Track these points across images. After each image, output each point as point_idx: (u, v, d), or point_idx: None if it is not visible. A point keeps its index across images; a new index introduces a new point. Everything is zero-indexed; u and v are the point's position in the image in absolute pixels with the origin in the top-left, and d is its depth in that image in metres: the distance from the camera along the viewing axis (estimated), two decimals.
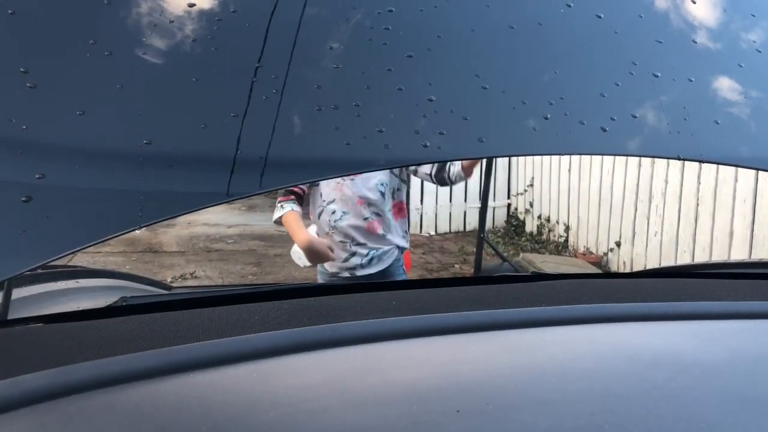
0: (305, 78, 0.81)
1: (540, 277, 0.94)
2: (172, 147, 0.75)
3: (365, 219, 2.29)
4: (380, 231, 2.32)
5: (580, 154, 0.85)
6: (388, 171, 2.31)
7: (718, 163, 0.94)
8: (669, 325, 0.69)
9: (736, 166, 0.95)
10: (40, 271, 1.00)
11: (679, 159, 0.88)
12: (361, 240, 2.30)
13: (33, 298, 0.91)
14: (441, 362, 0.59)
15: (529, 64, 0.90)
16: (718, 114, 0.93)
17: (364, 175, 2.28)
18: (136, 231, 0.69)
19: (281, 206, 2.26)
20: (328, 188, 2.30)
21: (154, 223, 0.70)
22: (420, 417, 0.48)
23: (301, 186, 2.28)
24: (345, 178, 2.28)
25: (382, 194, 2.30)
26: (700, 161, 0.87)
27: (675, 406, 0.52)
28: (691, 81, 0.96)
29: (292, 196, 2.29)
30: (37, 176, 0.69)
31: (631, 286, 0.82)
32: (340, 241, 2.31)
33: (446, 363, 0.59)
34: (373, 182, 2.29)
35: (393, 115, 0.81)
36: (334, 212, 2.28)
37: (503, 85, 0.87)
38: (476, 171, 2.41)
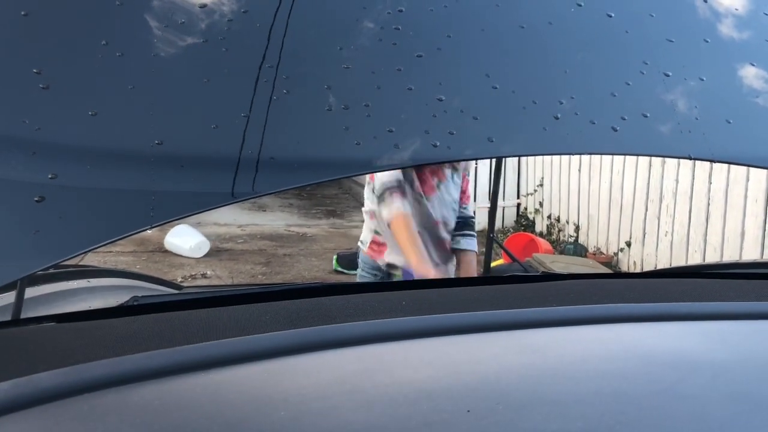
0: (315, 78, 0.81)
1: (550, 277, 0.94)
2: (184, 147, 0.75)
3: (441, 238, 2.25)
4: (449, 249, 2.30)
5: (591, 153, 0.85)
6: (458, 188, 2.25)
7: (729, 163, 0.93)
8: (680, 326, 0.69)
9: (748, 165, 0.94)
10: (51, 270, 1.01)
11: (690, 159, 0.88)
12: (434, 257, 2.24)
13: (45, 298, 0.92)
14: (451, 362, 0.59)
15: (540, 63, 0.90)
16: (730, 113, 0.93)
17: (441, 195, 2.19)
18: (147, 231, 0.69)
19: (390, 197, 1.97)
20: (410, 203, 2.12)
21: (166, 223, 0.70)
22: (430, 416, 0.48)
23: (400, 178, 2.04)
24: (423, 196, 2.13)
25: (455, 210, 2.26)
26: (712, 161, 0.86)
27: (687, 407, 0.52)
28: (703, 80, 0.95)
29: (399, 191, 1.99)
30: (49, 176, 0.69)
31: (642, 287, 0.82)
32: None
33: (456, 363, 0.59)
34: (449, 201, 2.21)
35: (403, 115, 0.81)
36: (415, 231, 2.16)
37: (513, 85, 0.87)
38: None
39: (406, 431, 0.46)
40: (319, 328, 0.62)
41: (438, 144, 0.79)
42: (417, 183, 2.15)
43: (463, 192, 2.32)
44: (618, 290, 0.82)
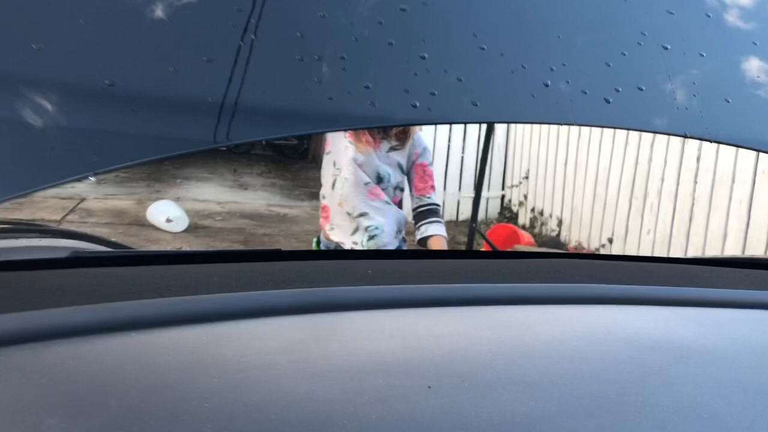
0: (287, 25, 0.74)
1: (531, 255, 0.88)
2: (137, 90, 0.69)
3: (366, 184, 2.22)
4: (383, 198, 2.25)
5: (580, 125, 0.79)
6: (397, 166, 2.27)
7: (725, 144, 0.88)
8: (668, 311, 0.63)
9: (744, 147, 0.89)
10: None
11: (685, 137, 0.83)
12: (364, 209, 2.22)
13: None
14: (415, 335, 0.53)
15: (532, 26, 0.84)
16: (729, 92, 0.88)
17: (372, 158, 2.22)
18: (91, 178, 0.62)
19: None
20: (342, 157, 2.22)
21: (112, 170, 0.64)
22: (385, 391, 0.42)
23: None
24: (356, 151, 2.21)
25: (380, 179, 2.25)
26: (707, 140, 0.81)
27: (674, 394, 0.46)
28: (702, 56, 0.90)
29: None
30: None
31: (629, 269, 0.76)
32: (347, 213, 2.24)
33: (420, 336, 0.53)
34: (378, 164, 2.24)
35: (381, 72, 0.75)
36: (345, 179, 2.21)
37: (502, 47, 0.81)
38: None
39: (355, 406, 0.40)
40: (271, 292, 0.56)
41: (418, 104, 0.73)
42: (350, 138, 2.21)
43: (426, 182, 2.29)
44: (603, 271, 0.76)
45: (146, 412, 0.38)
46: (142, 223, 5.40)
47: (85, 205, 5.69)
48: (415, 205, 2.28)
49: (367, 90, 0.74)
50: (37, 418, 0.37)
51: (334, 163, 2.25)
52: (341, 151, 2.22)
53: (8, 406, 0.39)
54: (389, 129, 2.18)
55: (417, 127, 2.26)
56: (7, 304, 0.48)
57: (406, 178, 2.29)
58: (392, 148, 2.24)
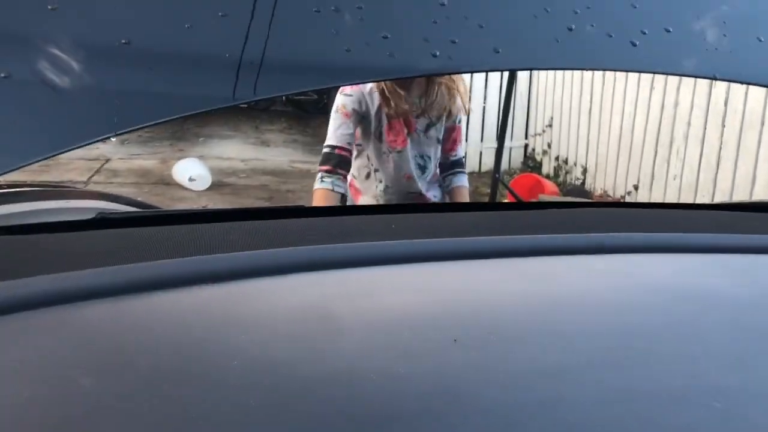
0: None
1: (556, 205, 0.87)
2: (153, 48, 0.68)
3: (410, 194, 2.15)
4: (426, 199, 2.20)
5: (606, 69, 0.77)
6: (435, 142, 2.14)
7: (757, 85, 0.85)
8: (699, 258, 0.62)
9: None
10: (11, 189, 0.94)
11: (714, 79, 0.80)
12: None
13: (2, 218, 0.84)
14: (441, 289, 0.53)
15: None
16: (762, 30, 0.85)
17: (409, 148, 2.10)
18: (111, 139, 0.62)
19: (321, 179, 1.96)
20: (376, 155, 2.10)
21: (130, 131, 0.64)
22: (411, 345, 0.42)
23: (347, 148, 1.99)
24: (392, 148, 2.08)
25: (422, 168, 2.16)
26: (738, 82, 0.78)
27: (705, 343, 0.46)
28: None
29: (337, 168, 1.96)
30: (1, 75, 0.62)
31: (656, 217, 0.75)
32: None
33: (447, 290, 0.52)
34: (419, 154, 2.13)
35: (400, 21, 0.74)
36: (381, 181, 2.14)
37: None
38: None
39: (382, 360, 0.40)
40: (296, 248, 0.55)
41: (438, 54, 0.72)
42: (386, 137, 2.06)
43: (456, 142, 2.21)
44: (630, 220, 0.75)
45: (176, 371, 0.39)
46: (168, 182, 5.45)
47: (111, 166, 5.74)
48: (442, 161, 2.22)
49: (385, 40, 0.72)
50: (72, 378, 0.38)
51: (368, 157, 2.14)
52: (373, 147, 2.10)
53: (43, 366, 0.39)
54: (428, 109, 2.04)
55: (460, 102, 2.10)
56: (37, 266, 0.49)
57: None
58: (429, 125, 2.11)
